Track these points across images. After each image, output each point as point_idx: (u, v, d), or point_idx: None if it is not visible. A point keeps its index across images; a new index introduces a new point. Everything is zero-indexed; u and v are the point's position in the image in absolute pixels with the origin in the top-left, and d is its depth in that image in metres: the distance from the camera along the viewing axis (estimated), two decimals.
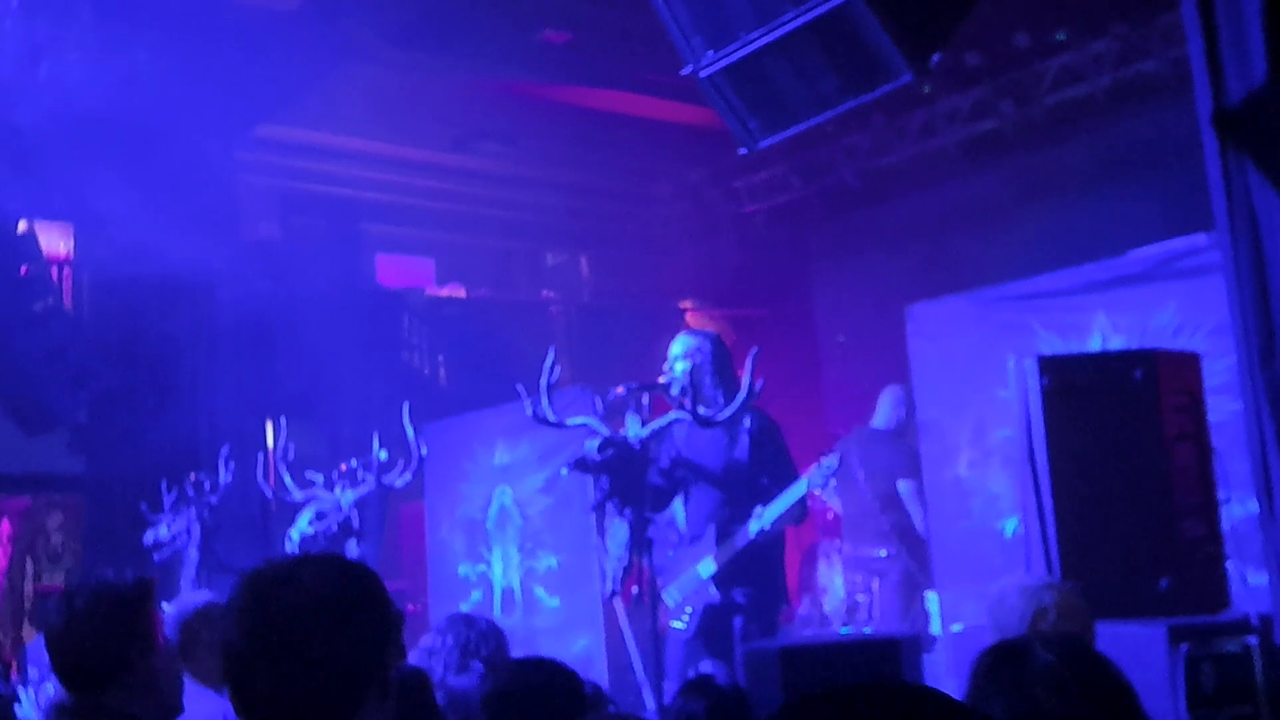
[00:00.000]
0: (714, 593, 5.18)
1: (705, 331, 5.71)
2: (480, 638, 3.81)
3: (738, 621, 5.14)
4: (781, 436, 5.34)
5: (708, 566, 5.20)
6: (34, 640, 4.07)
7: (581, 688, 2.94)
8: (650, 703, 6.86)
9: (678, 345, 5.44)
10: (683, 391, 5.15)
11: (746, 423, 5.20)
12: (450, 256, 13.69)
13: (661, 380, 5.34)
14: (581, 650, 8.07)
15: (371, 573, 1.69)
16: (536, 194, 12.52)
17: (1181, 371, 3.77)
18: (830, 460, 5.11)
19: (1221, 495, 3.70)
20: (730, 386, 5.20)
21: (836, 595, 9.48)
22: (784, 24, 3.81)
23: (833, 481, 5.18)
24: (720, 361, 5.33)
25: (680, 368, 5.29)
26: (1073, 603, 2.74)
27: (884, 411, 8.07)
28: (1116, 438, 3.64)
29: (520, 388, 5.44)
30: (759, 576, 5.16)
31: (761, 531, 5.04)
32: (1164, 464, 3.56)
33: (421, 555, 9.82)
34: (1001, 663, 1.91)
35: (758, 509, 5.07)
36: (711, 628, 5.23)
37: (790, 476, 5.19)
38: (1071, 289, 6.15)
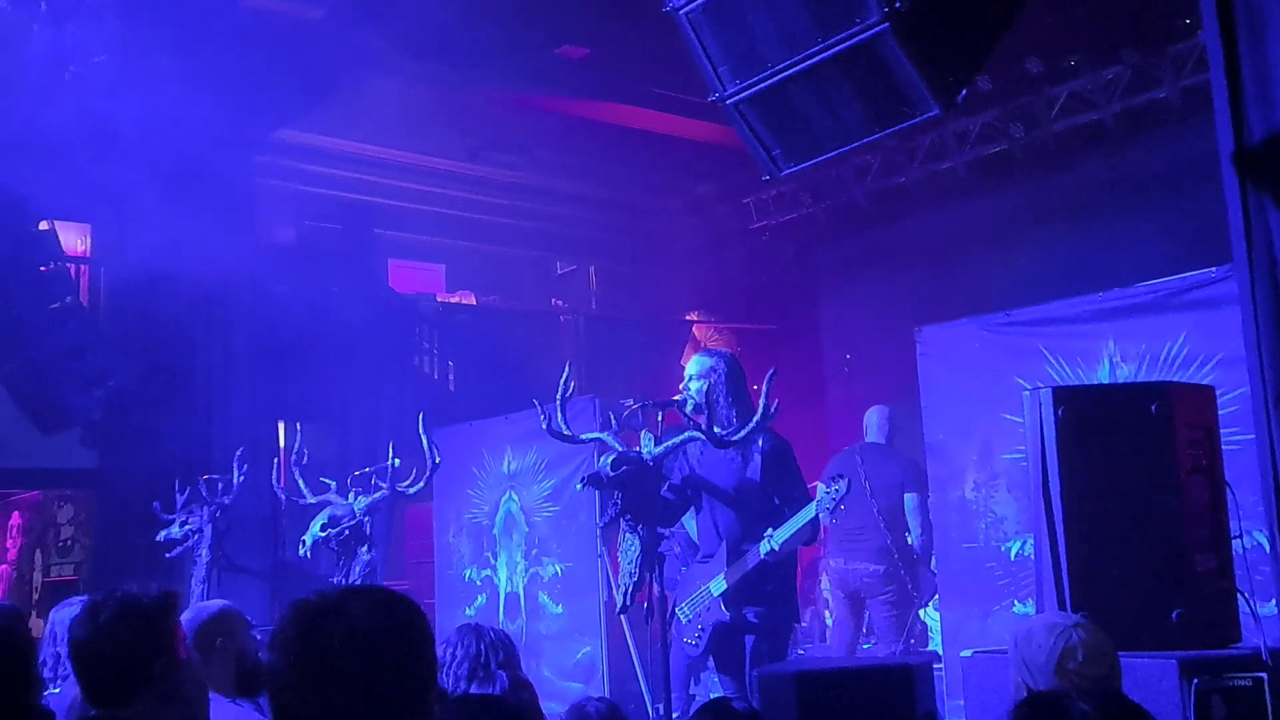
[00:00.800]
0: (724, 611, 5.22)
1: (720, 351, 5.75)
2: (489, 649, 3.79)
3: (749, 640, 5.17)
4: (794, 457, 5.36)
5: (719, 584, 5.25)
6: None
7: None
8: (651, 712, 6.92)
9: (693, 365, 5.47)
10: (697, 410, 5.18)
11: (760, 443, 5.23)
12: (461, 263, 13.77)
13: (677, 399, 5.38)
14: (584, 657, 8.14)
15: (419, 610, 1.70)
16: (548, 204, 12.61)
17: (1197, 405, 3.81)
18: (840, 485, 5.13)
19: (1233, 529, 3.75)
20: (744, 406, 5.24)
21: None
22: (811, 55, 3.87)
23: (841, 506, 5.19)
24: (735, 381, 5.36)
25: (696, 387, 5.32)
26: (1100, 643, 2.76)
27: (875, 427, 8.09)
28: (1130, 470, 3.67)
29: (536, 401, 5.49)
30: (771, 595, 5.19)
31: (771, 552, 5.07)
32: (1177, 498, 3.60)
33: (425, 556, 9.88)
34: (1038, 714, 1.94)
35: (769, 531, 5.10)
36: (721, 645, 5.27)
37: (802, 498, 5.23)
38: (1082, 316, 6.20)
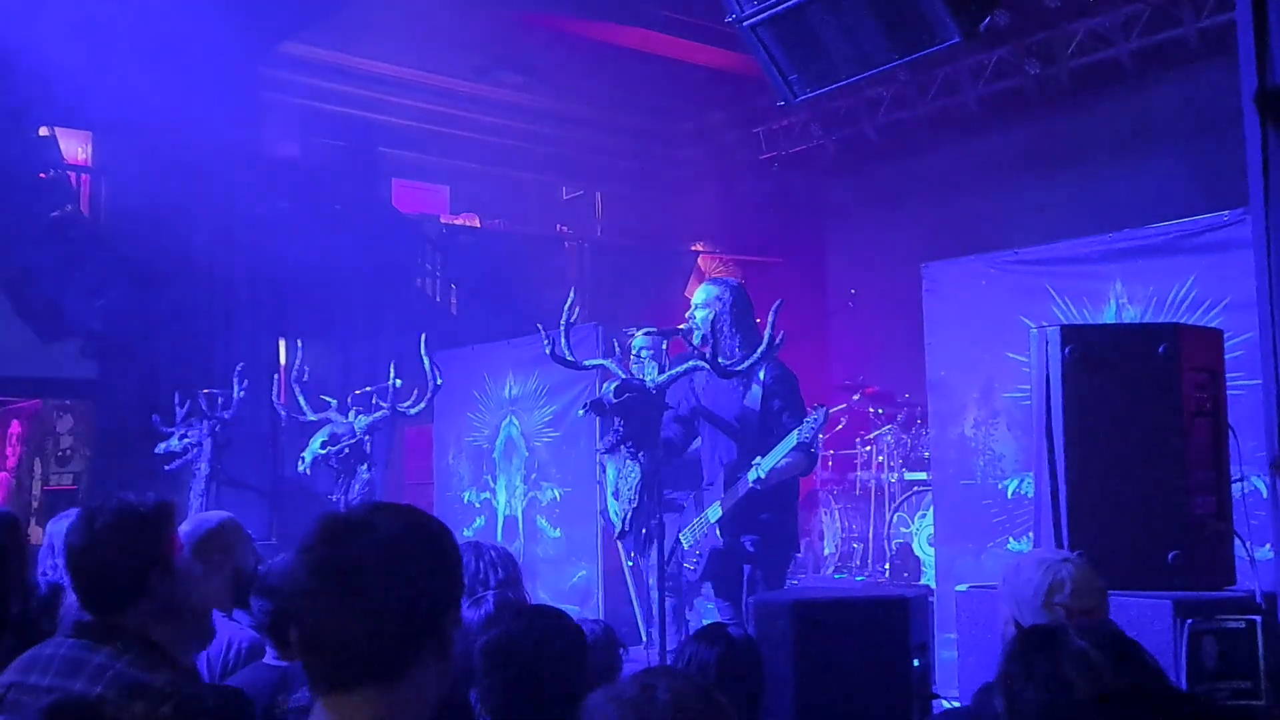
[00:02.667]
0: (719, 537, 5.26)
1: (727, 280, 5.70)
2: (489, 566, 3.76)
3: (746, 569, 5.22)
4: (796, 388, 5.34)
5: (715, 511, 5.29)
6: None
7: (583, 641, 2.86)
8: (644, 636, 7.00)
9: (700, 293, 5.45)
10: (703, 340, 5.17)
11: (761, 374, 5.23)
12: (466, 185, 13.65)
13: (682, 327, 5.36)
14: (580, 581, 8.22)
15: (446, 529, 1.68)
16: (555, 127, 12.47)
17: (1204, 348, 3.79)
18: (817, 414, 5.09)
19: (1233, 473, 3.75)
20: (749, 336, 5.24)
21: (834, 541, 9.63)
22: None
23: (821, 435, 5.16)
24: (741, 311, 5.35)
25: (702, 315, 5.31)
26: (1089, 577, 2.77)
27: None
28: (1134, 410, 3.66)
29: (540, 326, 5.47)
30: (768, 524, 5.22)
31: (759, 480, 5.07)
32: (1180, 439, 3.59)
33: (424, 477, 9.93)
34: (1034, 649, 1.94)
35: (756, 459, 5.11)
36: (717, 571, 5.32)
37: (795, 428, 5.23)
38: (1090, 257, 6.15)
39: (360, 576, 1.56)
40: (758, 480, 5.07)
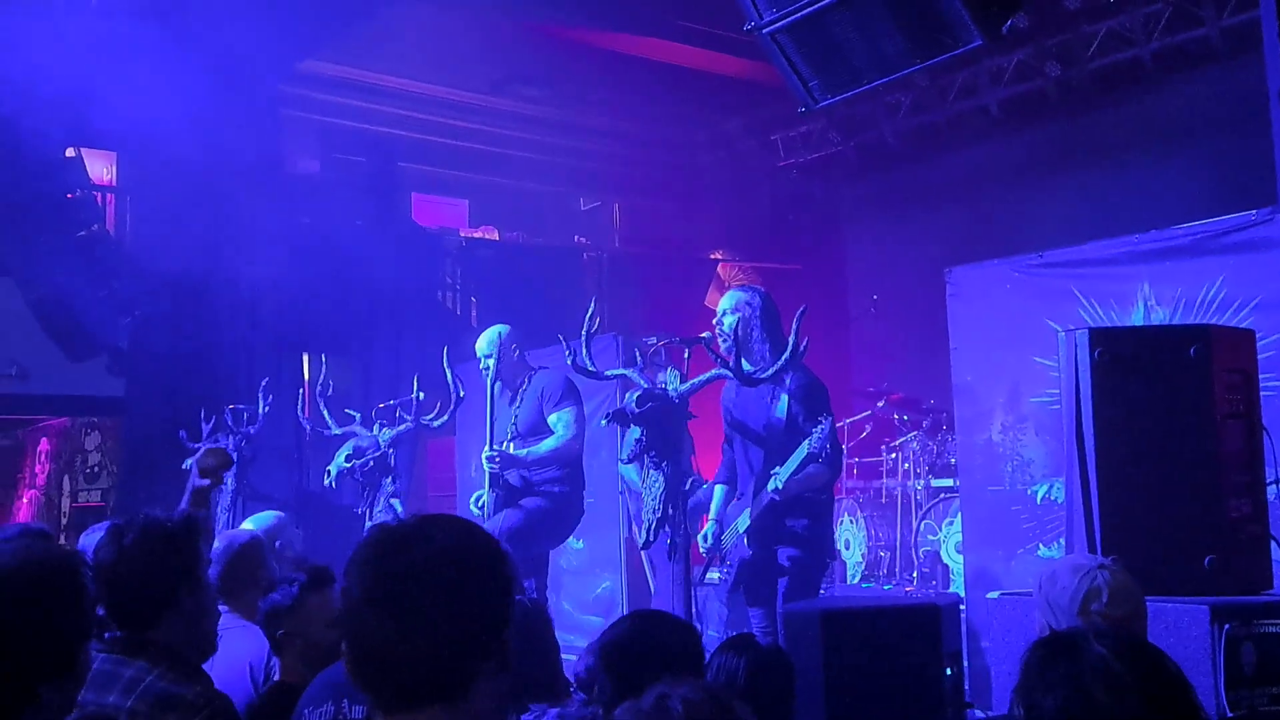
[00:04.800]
0: (747, 547, 5.25)
1: (755, 288, 5.69)
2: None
3: (781, 581, 5.20)
4: (821, 396, 5.28)
5: (744, 521, 5.28)
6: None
7: (699, 643, 2.92)
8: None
9: (727, 300, 5.44)
10: (730, 347, 5.15)
11: (788, 381, 5.20)
12: (485, 199, 13.69)
13: (705, 335, 5.35)
14: (604, 591, 8.20)
15: (497, 543, 1.65)
16: (572, 139, 12.49)
17: (1236, 348, 3.74)
18: (823, 423, 4.96)
19: (1267, 475, 3.70)
20: (778, 342, 5.21)
21: (858, 550, 9.56)
22: None
23: (842, 446, 5.12)
24: (769, 318, 5.33)
25: (729, 322, 5.31)
26: (1125, 584, 2.73)
27: None
28: (1166, 413, 3.62)
29: (561, 337, 5.47)
30: (802, 534, 5.20)
31: (777, 491, 5.02)
32: (1213, 442, 3.55)
33: (447, 489, 9.93)
34: (1054, 656, 1.90)
35: (775, 469, 5.08)
36: (748, 580, 5.32)
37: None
38: (1116, 258, 6.11)
39: (422, 590, 1.52)
40: (776, 491, 5.03)
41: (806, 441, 4.97)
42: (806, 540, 5.21)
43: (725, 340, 5.24)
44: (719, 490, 5.62)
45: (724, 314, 5.37)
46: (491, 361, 6.25)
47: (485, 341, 6.35)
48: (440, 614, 1.52)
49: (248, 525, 4.86)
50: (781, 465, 5.06)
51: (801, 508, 5.15)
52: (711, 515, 5.56)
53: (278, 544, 4.50)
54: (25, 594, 1.92)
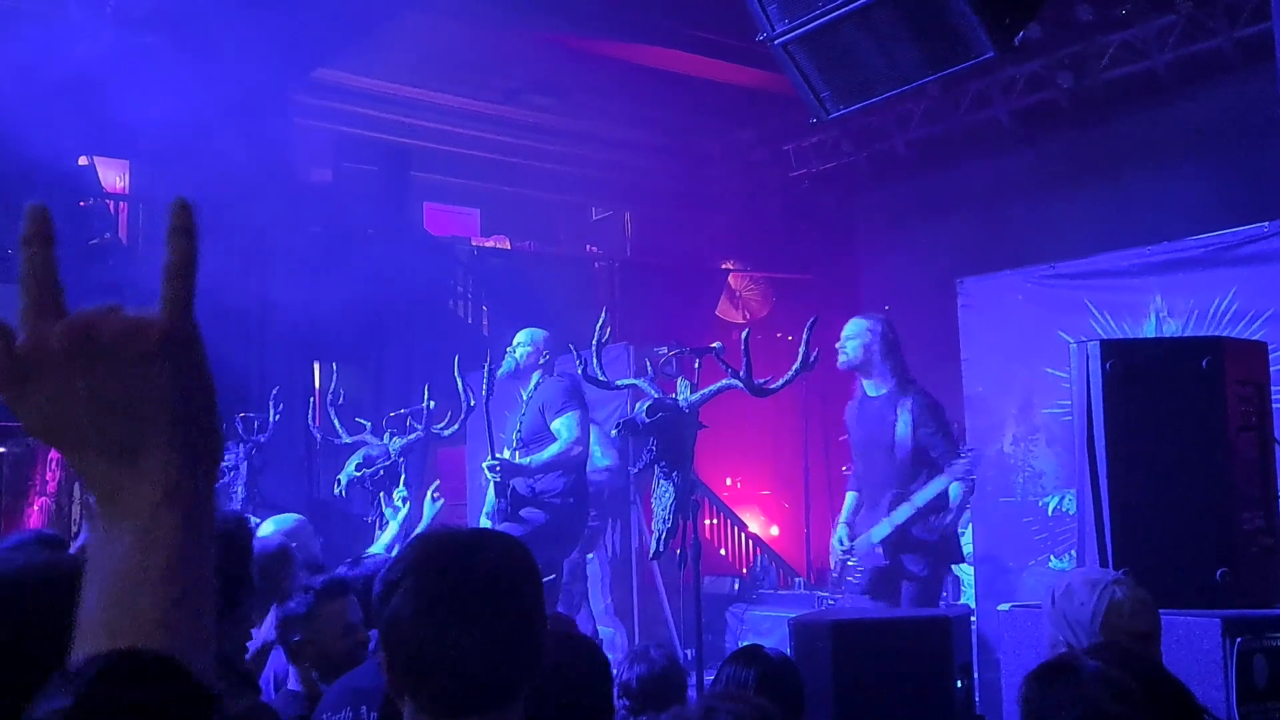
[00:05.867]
0: (880, 555, 5.46)
1: (876, 315, 5.99)
2: None
3: (906, 587, 5.46)
4: (942, 416, 5.58)
5: (879, 532, 5.46)
6: None
7: (606, 664, 2.83)
8: (680, 656, 6.96)
9: (851, 326, 5.72)
10: (849, 367, 5.61)
11: (908, 403, 5.48)
12: (496, 208, 13.72)
13: (717, 345, 5.38)
14: (615, 602, 8.18)
15: (530, 552, 1.64)
16: (584, 149, 12.51)
17: (1248, 360, 3.72)
18: (969, 456, 5.39)
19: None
20: (897, 365, 5.58)
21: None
22: None
23: (973, 476, 5.43)
24: (888, 343, 5.63)
25: (852, 346, 5.61)
26: (1142, 597, 2.71)
27: None
28: (1178, 425, 3.60)
29: (572, 346, 5.48)
30: (932, 547, 5.45)
31: (910, 514, 5.33)
32: (1226, 454, 3.52)
33: (457, 499, 9.92)
34: (1051, 681, 1.91)
35: (914, 492, 5.38)
36: (879, 588, 5.53)
37: (948, 452, 5.45)
38: (1128, 270, 6.09)
39: (485, 597, 1.52)
40: (908, 515, 5.35)
41: (945, 476, 5.35)
42: (934, 550, 5.47)
43: (846, 362, 5.64)
44: (850, 497, 5.91)
45: (846, 340, 5.67)
46: (521, 352, 6.27)
47: (526, 337, 6.39)
48: (502, 622, 1.52)
49: (268, 527, 4.88)
50: (913, 482, 5.42)
51: (927, 525, 5.40)
52: (842, 519, 5.85)
53: (293, 546, 4.52)
54: (36, 602, 1.91)
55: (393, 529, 6.56)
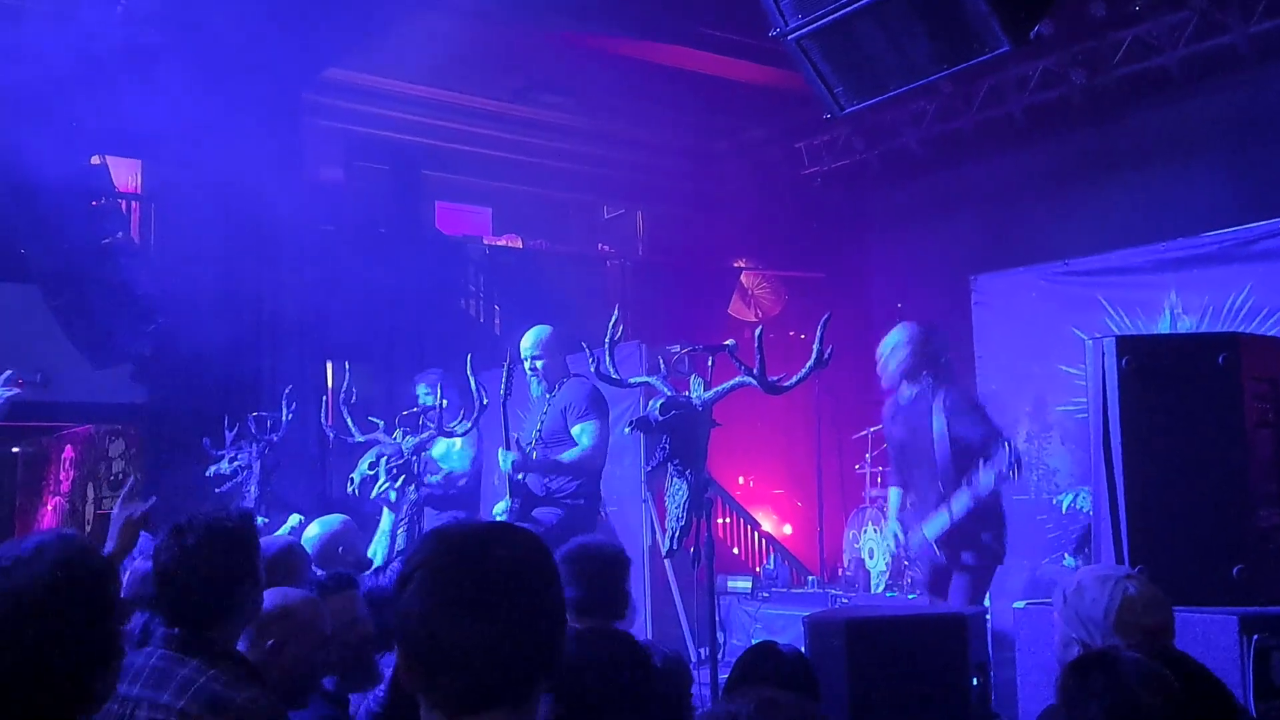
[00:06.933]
0: (937, 553, 5.48)
1: (915, 323, 5.98)
2: None
3: (958, 579, 5.46)
4: (977, 409, 5.57)
5: (932, 529, 5.46)
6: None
7: (648, 658, 2.83)
8: (693, 654, 6.95)
9: (891, 336, 5.73)
10: (893, 386, 5.66)
11: (941, 398, 5.48)
12: (508, 206, 13.72)
13: (730, 342, 5.36)
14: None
15: (547, 549, 1.62)
16: (595, 147, 12.49)
17: (1265, 357, 3.70)
18: (1006, 449, 5.32)
19: None
20: (936, 370, 5.61)
21: (883, 559, 9.51)
22: None
23: (1014, 471, 5.36)
24: (928, 348, 5.63)
25: (896, 356, 5.63)
26: (1156, 594, 2.69)
27: None
28: (1194, 422, 3.59)
29: (584, 344, 5.47)
30: (984, 541, 5.45)
31: (969, 506, 5.33)
32: (1242, 451, 3.51)
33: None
34: (1090, 671, 1.92)
35: (961, 489, 5.36)
36: (936, 583, 5.58)
37: (992, 442, 5.40)
38: (1142, 267, 6.08)
39: (505, 592, 1.50)
40: (962, 510, 5.35)
41: (993, 474, 5.29)
42: (986, 545, 5.47)
43: (889, 382, 5.69)
44: (893, 493, 5.99)
45: (887, 347, 5.69)
46: (541, 364, 6.26)
47: (531, 342, 6.34)
48: (522, 617, 1.50)
49: (314, 529, 4.98)
50: (961, 477, 5.40)
51: (978, 517, 5.40)
52: (892, 516, 5.92)
53: (340, 549, 4.68)
54: (57, 601, 1.91)
55: (384, 526, 6.58)
